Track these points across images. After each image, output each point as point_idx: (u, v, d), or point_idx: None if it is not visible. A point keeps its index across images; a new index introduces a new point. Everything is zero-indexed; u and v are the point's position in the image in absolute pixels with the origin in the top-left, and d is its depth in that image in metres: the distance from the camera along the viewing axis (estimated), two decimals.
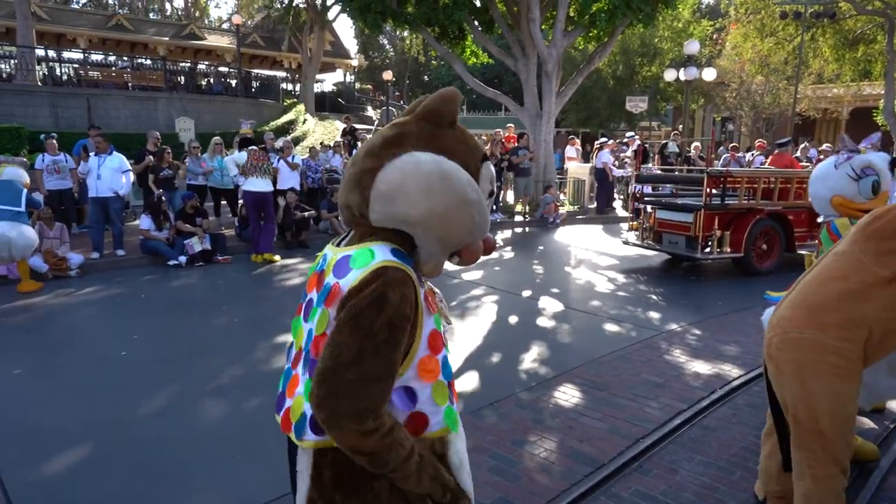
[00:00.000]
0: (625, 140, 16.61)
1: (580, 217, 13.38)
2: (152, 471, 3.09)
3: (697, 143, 15.22)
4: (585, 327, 5.61)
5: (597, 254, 9.36)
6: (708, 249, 7.56)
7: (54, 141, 9.44)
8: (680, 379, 4.19)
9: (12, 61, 18.22)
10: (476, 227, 1.28)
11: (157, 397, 4.04)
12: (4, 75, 18.93)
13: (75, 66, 21.18)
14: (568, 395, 3.91)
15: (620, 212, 13.57)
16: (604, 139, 15.22)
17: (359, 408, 1.14)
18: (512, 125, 15.68)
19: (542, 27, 13.42)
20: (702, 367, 4.40)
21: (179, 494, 2.89)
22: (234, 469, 3.11)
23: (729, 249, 7.57)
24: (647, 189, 10.24)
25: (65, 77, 20.20)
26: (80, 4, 34.29)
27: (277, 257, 8.58)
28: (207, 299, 6.72)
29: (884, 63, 18.80)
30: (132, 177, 8.76)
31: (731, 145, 15.30)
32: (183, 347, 5.03)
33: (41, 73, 18.24)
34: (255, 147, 8.62)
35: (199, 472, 3.09)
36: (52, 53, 20.58)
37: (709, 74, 16.73)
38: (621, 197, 14.58)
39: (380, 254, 1.21)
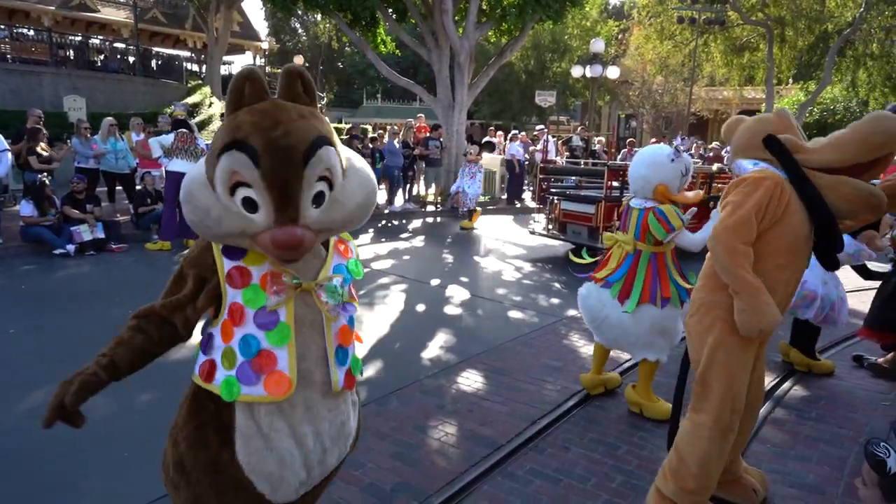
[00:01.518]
0: (535, 133, 17.13)
1: (491, 207, 13.66)
2: (35, 476, 2.88)
3: (601, 138, 15.95)
4: (490, 314, 5.76)
5: (505, 243, 9.61)
6: None
7: None
8: (577, 362, 4.41)
9: None
10: (194, 225, 1.45)
11: (38, 396, 3.74)
12: None
13: None
14: (471, 380, 4.01)
15: (530, 203, 13.98)
16: (515, 131, 15.61)
17: None
18: (422, 115, 15.73)
19: (455, 19, 13.52)
20: None
21: (65, 500, 2.72)
22: (123, 469, 2.95)
23: None
24: None
25: None
26: None
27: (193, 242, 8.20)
28: (98, 290, 6.29)
29: (765, 70, 20.47)
30: (10, 157, 8.01)
31: (629, 140, 16.18)
32: (68, 342, 4.68)
33: None
34: (183, 129, 8.11)
35: (87, 475, 2.90)
36: None
37: (612, 73, 17.53)
38: (531, 188, 15.03)
39: None
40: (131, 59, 22.03)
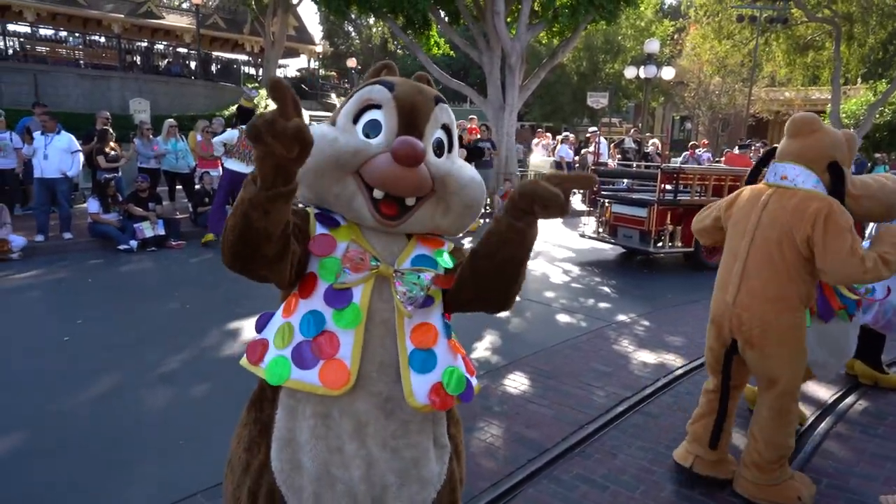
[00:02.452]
0: (587, 135, 16.89)
1: None
2: (96, 459, 3.02)
3: (655, 140, 15.58)
4: (539, 317, 5.70)
5: (554, 246, 9.50)
6: (660, 244, 7.77)
7: (1, 118, 9.03)
8: (626, 368, 4.31)
9: None
10: (324, 144, 1.29)
11: (102, 384, 3.94)
12: None
13: (21, 39, 20.22)
14: (517, 382, 3.98)
15: (578, 205, 13.78)
16: (566, 134, 15.45)
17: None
18: (475, 117, 15.73)
19: (507, 20, 13.47)
20: (648, 357, 4.53)
21: (122, 482, 2.84)
22: (178, 456, 3.06)
23: (680, 244, 7.80)
24: None
25: (10, 51, 19.29)
26: None
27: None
28: (158, 284, 6.56)
29: (831, 69, 19.54)
30: (81, 158, 8.46)
31: (691, 143, 15.78)
32: (130, 333, 4.91)
33: None
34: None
35: (144, 460, 3.03)
36: None
37: (667, 73, 17.10)
38: (581, 190, 14.83)
39: None
40: (192, 63, 22.93)
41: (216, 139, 8.89)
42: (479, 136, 13.07)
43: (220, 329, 5.01)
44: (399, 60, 38.64)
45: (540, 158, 15.19)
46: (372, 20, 28.20)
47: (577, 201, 14.35)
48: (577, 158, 14.65)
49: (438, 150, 1.41)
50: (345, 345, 1.29)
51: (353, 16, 25.40)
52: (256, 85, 23.57)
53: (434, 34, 15.04)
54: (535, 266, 8.04)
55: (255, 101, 9.53)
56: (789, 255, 2.42)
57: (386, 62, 1.54)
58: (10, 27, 20.67)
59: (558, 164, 13.86)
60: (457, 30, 14.58)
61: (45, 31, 22.09)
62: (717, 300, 2.66)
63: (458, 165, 1.45)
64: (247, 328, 4.93)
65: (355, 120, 1.37)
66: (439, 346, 1.36)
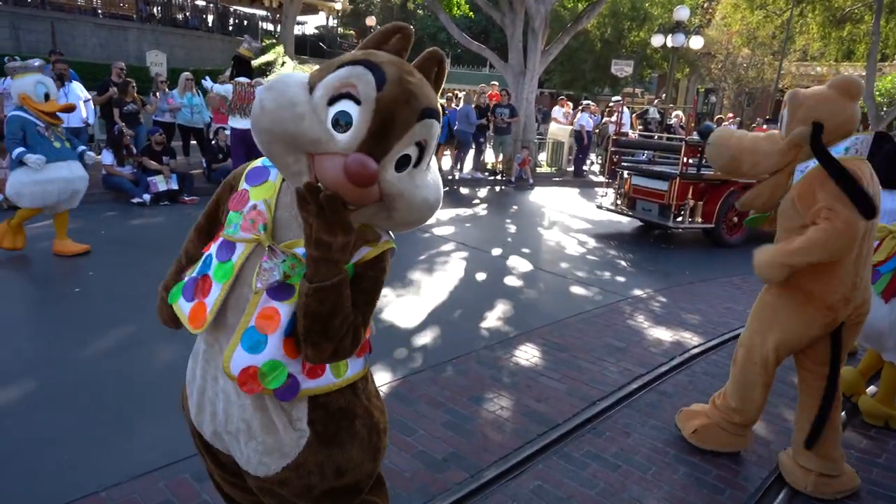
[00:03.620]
0: (610, 104, 16.47)
1: (557, 179, 13.31)
2: (101, 410, 3.00)
3: (679, 112, 15.17)
4: (552, 288, 5.60)
5: (570, 217, 9.34)
6: (680, 219, 7.58)
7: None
8: (641, 344, 4.21)
9: None
10: (262, 110, 1.24)
11: (111, 335, 3.92)
12: None
13: None
14: (529, 354, 3.90)
15: (593, 176, 13.52)
16: (587, 102, 15.07)
17: None
18: (496, 83, 15.37)
19: None
20: (663, 334, 4.43)
21: (127, 434, 2.81)
22: (178, 412, 3.03)
23: (701, 220, 7.61)
24: None
25: None
26: None
27: None
28: (169, 239, 6.48)
29: (867, 44, 18.77)
30: (94, 107, 8.37)
31: (717, 117, 15.37)
32: (141, 286, 4.86)
33: None
34: (243, 79, 7.88)
35: (149, 413, 3.00)
36: None
37: (696, 43, 16.51)
38: (599, 161, 14.53)
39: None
40: (210, 17, 22.54)
41: (216, 88, 8.61)
42: (497, 103, 12.78)
43: None
44: (419, 21, 37.74)
45: (558, 127, 14.87)
46: None
47: (595, 172, 14.10)
48: (597, 130, 14.30)
49: (402, 164, 1.27)
50: (213, 293, 1.40)
51: None
52: (274, 41, 23.20)
53: None
54: (549, 236, 7.90)
55: (252, 51, 8.92)
56: None
57: (400, 26, 1.34)
58: None
59: (578, 133, 13.55)
60: None
61: None
62: (837, 285, 2.41)
63: (416, 185, 1.30)
64: None
65: (332, 101, 1.23)
66: (274, 336, 1.34)
